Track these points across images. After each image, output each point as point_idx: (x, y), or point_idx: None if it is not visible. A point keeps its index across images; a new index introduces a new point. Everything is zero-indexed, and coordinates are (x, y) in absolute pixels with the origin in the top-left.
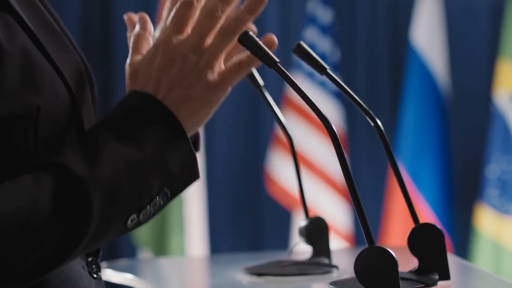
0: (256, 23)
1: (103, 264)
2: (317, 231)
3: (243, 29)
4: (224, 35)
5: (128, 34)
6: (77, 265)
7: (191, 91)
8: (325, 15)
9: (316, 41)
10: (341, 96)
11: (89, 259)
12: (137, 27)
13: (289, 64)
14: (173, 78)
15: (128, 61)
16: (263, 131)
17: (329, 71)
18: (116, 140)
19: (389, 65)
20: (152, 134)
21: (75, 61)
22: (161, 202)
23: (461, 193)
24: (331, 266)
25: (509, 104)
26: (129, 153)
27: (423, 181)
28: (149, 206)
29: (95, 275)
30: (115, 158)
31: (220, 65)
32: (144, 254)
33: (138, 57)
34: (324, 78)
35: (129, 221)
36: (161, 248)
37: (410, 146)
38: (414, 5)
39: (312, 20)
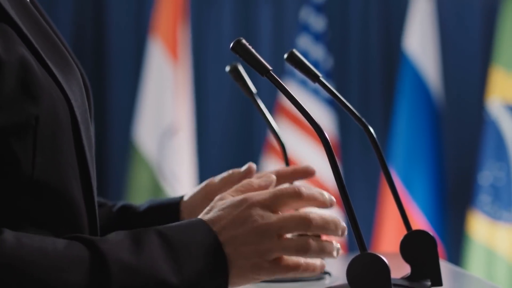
0: (249, 30)
1: None
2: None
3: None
4: (304, 246)
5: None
6: None
7: (253, 264)
8: (318, 22)
9: (309, 48)
10: (333, 103)
11: None
12: (261, 181)
13: (282, 72)
14: (236, 236)
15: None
16: (256, 138)
17: (321, 78)
18: (163, 255)
19: (381, 73)
20: (196, 265)
21: (73, 70)
22: None
23: (453, 200)
24: (324, 272)
25: (502, 111)
26: (167, 275)
27: (415, 188)
28: None
29: None
30: (152, 275)
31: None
32: None
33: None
34: (316, 85)
35: None
36: None
37: (402, 153)
38: (407, 12)
39: (305, 28)
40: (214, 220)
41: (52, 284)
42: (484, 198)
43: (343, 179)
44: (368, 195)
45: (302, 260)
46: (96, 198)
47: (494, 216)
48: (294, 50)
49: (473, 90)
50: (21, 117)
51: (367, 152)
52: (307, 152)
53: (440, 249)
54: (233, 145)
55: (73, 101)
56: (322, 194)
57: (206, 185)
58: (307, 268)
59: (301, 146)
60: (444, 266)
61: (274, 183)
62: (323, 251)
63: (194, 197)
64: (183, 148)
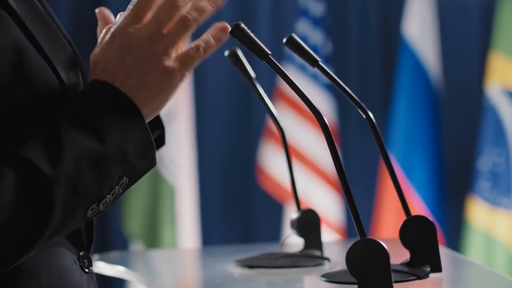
0: (247, 15)
1: (94, 256)
2: (309, 223)
3: (203, 19)
4: (183, 24)
5: (98, 29)
6: (68, 259)
7: (148, 78)
8: (317, 7)
9: (308, 33)
10: (333, 88)
11: (81, 253)
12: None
13: (281, 57)
14: (130, 65)
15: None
16: (255, 123)
17: (321, 63)
18: (78, 131)
19: (381, 58)
20: (111, 123)
21: (69, 55)
22: (120, 190)
23: (453, 186)
24: (323, 258)
25: (501, 96)
26: (90, 145)
27: (415, 174)
28: (109, 196)
29: (86, 270)
30: (77, 152)
31: (178, 52)
32: (136, 246)
33: (98, 48)
34: (316, 70)
35: (89, 211)
36: (153, 240)
37: (402, 139)
38: None
39: (304, 13)
40: (103, 72)
41: None
42: (483, 184)
43: (343, 165)
44: (367, 181)
45: (197, 42)
46: None
47: (493, 202)
48: (293, 35)
49: (472, 75)
50: (14, 102)
51: (366, 137)
52: (306, 138)
53: (439, 235)
54: (232, 130)
55: (68, 87)
56: None
57: None
58: (203, 43)
59: (300, 131)
60: (443, 252)
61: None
62: (202, 12)
63: None
64: (182, 134)
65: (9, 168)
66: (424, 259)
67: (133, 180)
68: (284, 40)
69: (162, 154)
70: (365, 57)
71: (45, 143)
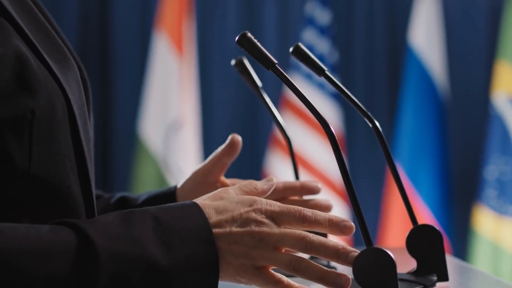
0: (254, 24)
1: None
2: (315, 232)
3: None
4: (292, 267)
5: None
6: None
7: (244, 268)
8: (323, 16)
9: (314, 42)
10: (339, 97)
11: None
12: (264, 184)
13: (287, 66)
14: (248, 251)
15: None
16: (262, 132)
17: (327, 72)
18: (153, 234)
19: (387, 66)
20: (187, 250)
21: (70, 64)
22: None
23: (459, 194)
24: (330, 267)
25: (507, 105)
26: (157, 255)
27: (421, 182)
28: None
29: None
30: (142, 252)
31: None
32: None
33: (239, 193)
34: (322, 79)
35: None
36: None
37: (408, 147)
38: (412, 6)
39: (310, 22)
40: (213, 210)
41: (36, 273)
42: (489, 192)
43: (349, 173)
44: (374, 190)
45: (285, 278)
46: (94, 191)
47: (500, 210)
48: (300, 44)
49: (479, 84)
50: (17, 111)
51: (372, 146)
52: (312, 146)
53: (446, 243)
54: None
55: (70, 95)
56: (328, 221)
57: (196, 170)
58: (289, 286)
59: (307, 140)
60: (450, 261)
61: (274, 186)
62: (314, 276)
63: (187, 182)
64: (188, 142)
65: (74, 235)
66: (431, 268)
67: None
68: (291, 49)
69: (168, 162)
70: (371, 66)
71: (114, 228)
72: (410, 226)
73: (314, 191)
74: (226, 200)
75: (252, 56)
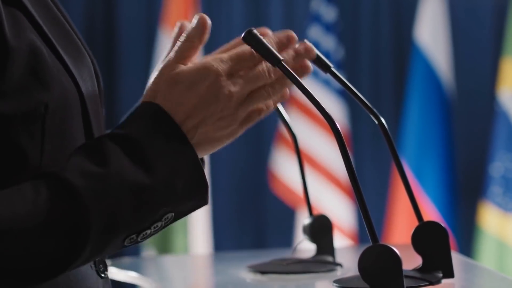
0: (260, 21)
1: (107, 262)
2: (321, 229)
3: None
4: (268, 105)
5: (173, 34)
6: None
7: (218, 134)
8: (329, 13)
9: (320, 39)
10: (345, 94)
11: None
12: (192, 33)
13: None
14: (210, 115)
15: (167, 62)
16: (267, 129)
17: (333, 69)
18: (128, 159)
19: (393, 63)
20: (166, 159)
21: (84, 58)
22: (163, 224)
23: (465, 191)
24: (335, 264)
25: None
26: (137, 176)
27: (427, 179)
28: (150, 230)
29: (102, 274)
30: (122, 181)
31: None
32: (148, 252)
33: (184, 68)
34: (328, 76)
35: (127, 240)
36: (165, 246)
37: (414, 144)
38: (418, 3)
39: (316, 18)
40: (174, 106)
41: (31, 231)
42: (495, 189)
43: (355, 170)
44: (379, 187)
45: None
46: None
47: (506, 207)
48: (306, 40)
49: (484, 81)
50: (30, 105)
51: (378, 143)
52: (318, 143)
53: (452, 240)
54: (243, 136)
55: (83, 89)
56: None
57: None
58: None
59: (313, 137)
60: (456, 258)
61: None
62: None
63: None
64: None
65: (47, 187)
66: (436, 265)
67: (179, 216)
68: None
69: None
70: (377, 63)
71: (90, 165)
72: (415, 223)
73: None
74: (180, 83)
75: (258, 53)
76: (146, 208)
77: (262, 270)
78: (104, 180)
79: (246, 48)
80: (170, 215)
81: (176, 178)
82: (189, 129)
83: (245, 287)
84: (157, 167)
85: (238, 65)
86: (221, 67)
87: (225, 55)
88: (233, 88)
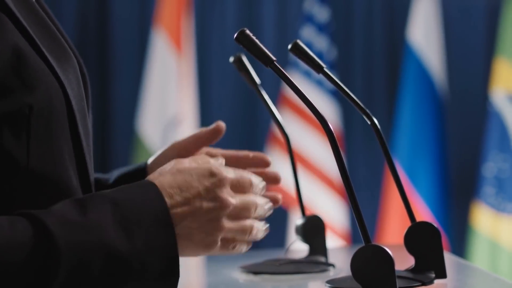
0: (253, 21)
1: None
2: (313, 229)
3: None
4: (255, 229)
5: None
6: None
7: (198, 236)
8: (321, 13)
9: (312, 39)
10: (337, 94)
11: None
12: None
13: (286, 63)
14: (202, 211)
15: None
16: (260, 129)
17: (325, 69)
18: (112, 220)
19: (385, 64)
20: (147, 235)
21: (69, 59)
22: None
23: (457, 192)
24: (328, 264)
25: (506, 102)
26: (117, 240)
27: (419, 180)
28: None
29: None
30: (101, 238)
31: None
32: None
33: (193, 163)
34: (320, 76)
35: None
36: None
37: (406, 145)
38: (411, 3)
39: (308, 19)
40: (176, 189)
41: None
42: (488, 189)
43: (347, 170)
44: (372, 187)
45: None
46: (93, 186)
47: (498, 208)
48: (298, 41)
49: (477, 81)
50: (14, 106)
51: (371, 143)
52: (311, 144)
53: (444, 241)
54: (237, 136)
55: (68, 90)
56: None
57: (172, 144)
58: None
59: (305, 137)
60: (448, 258)
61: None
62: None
63: (160, 156)
64: None
65: (24, 226)
66: (429, 265)
67: None
68: (289, 46)
69: None
70: (370, 63)
71: (70, 214)
72: (408, 224)
73: (265, 163)
74: (185, 173)
75: (250, 53)
76: (117, 275)
77: (254, 270)
78: (82, 231)
79: (247, 175)
80: None
81: (152, 257)
82: (178, 214)
83: (237, 287)
84: (137, 238)
85: (238, 184)
86: (228, 176)
87: (230, 169)
88: (231, 199)
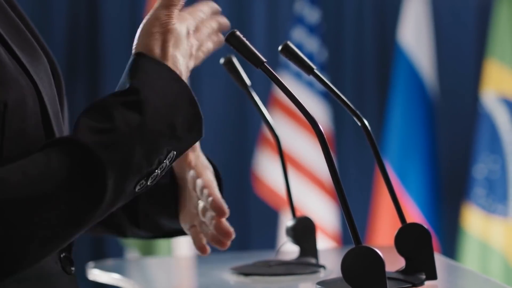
0: (243, 22)
1: (90, 264)
2: (304, 231)
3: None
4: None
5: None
6: (50, 261)
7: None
8: (312, 15)
9: (303, 41)
10: (328, 96)
11: (62, 255)
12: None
13: (276, 64)
14: (183, 52)
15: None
16: (251, 131)
17: (316, 71)
18: (125, 108)
19: (376, 65)
20: (162, 98)
21: (40, 58)
22: (168, 164)
23: (448, 193)
24: (318, 266)
25: (496, 104)
26: (140, 121)
27: (410, 181)
28: (157, 170)
29: (68, 271)
30: (129, 131)
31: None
32: (131, 254)
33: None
34: (311, 78)
35: (137, 186)
36: (148, 247)
37: (397, 146)
38: (402, 5)
39: (299, 20)
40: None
41: (54, 195)
42: (478, 191)
43: (338, 172)
44: (362, 188)
45: None
46: None
47: (489, 209)
48: (289, 42)
49: (468, 82)
50: None
51: (361, 145)
52: (301, 145)
53: (435, 242)
54: (227, 137)
55: (41, 88)
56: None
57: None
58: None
59: (296, 138)
60: (439, 259)
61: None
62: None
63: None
64: None
65: (62, 152)
66: (419, 267)
67: (180, 153)
68: (280, 47)
69: None
70: (360, 65)
71: (94, 122)
72: (398, 225)
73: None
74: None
75: (241, 55)
76: (152, 150)
77: (245, 272)
78: (112, 132)
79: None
80: (172, 153)
81: (175, 117)
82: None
83: None
84: (156, 110)
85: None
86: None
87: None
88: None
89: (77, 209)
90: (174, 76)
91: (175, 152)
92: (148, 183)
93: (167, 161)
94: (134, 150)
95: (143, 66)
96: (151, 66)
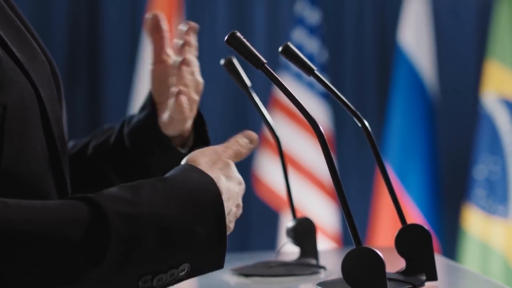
0: (244, 24)
1: None
2: (304, 232)
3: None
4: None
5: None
6: None
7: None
8: (312, 16)
9: (303, 42)
10: (328, 97)
11: None
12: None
13: (276, 65)
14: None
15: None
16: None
17: (316, 72)
18: (157, 194)
19: (376, 66)
20: (201, 213)
21: (40, 60)
22: (179, 273)
23: (448, 194)
24: (319, 266)
25: (497, 104)
26: (168, 212)
27: (410, 182)
28: (166, 273)
29: None
30: (152, 210)
31: None
32: None
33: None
34: (311, 79)
35: (140, 281)
36: None
37: (397, 147)
38: (402, 6)
39: (299, 21)
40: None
41: (50, 237)
42: (479, 192)
43: (338, 173)
44: (363, 189)
45: None
46: (69, 184)
47: (489, 210)
48: (289, 43)
49: (468, 83)
50: None
51: (362, 146)
52: (302, 146)
53: (435, 243)
54: (227, 138)
55: (40, 89)
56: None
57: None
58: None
59: (296, 139)
60: (439, 260)
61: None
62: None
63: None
64: None
65: (87, 207)
66: (420, 268)
67: (194, 270)
68: (280, 48)
69: None
70: (360, 66)
71: (121, 192)
72: (399, 226)
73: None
74: (231, 180)
75: (241, 56)
76: (167, 245)
77: (246, 273)
78: (134, 206)
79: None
80: (186, 265)
81: (199, 226)
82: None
83: None
84: (187, 209)
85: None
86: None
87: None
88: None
89: (72, 265)
90: (219, 204)
91: (189, 266)
92: (154, 284)
93: (178, 271)
94: (148, 236)
95: (196, 181)
96: (205, 186)
